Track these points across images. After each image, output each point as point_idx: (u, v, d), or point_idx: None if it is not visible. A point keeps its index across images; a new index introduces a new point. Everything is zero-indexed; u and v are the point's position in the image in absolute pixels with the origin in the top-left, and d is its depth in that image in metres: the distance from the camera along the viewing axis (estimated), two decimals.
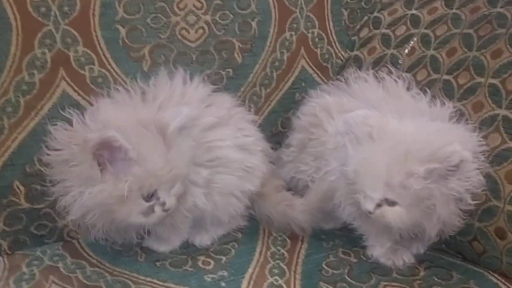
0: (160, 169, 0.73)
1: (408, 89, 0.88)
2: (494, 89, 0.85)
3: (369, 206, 0.77)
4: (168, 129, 0.74)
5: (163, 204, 0.75)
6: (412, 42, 1.02)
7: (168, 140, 0.74)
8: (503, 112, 0.82)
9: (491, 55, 0.87)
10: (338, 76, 1.10)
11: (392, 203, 0.76)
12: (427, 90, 0.85)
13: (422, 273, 0.84)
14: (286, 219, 0.90)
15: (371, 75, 0.92)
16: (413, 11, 1.06)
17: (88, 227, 0.77)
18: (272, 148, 1.00)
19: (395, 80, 0.88)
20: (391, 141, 0.75)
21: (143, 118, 0.74)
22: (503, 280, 0.82)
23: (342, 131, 0.81)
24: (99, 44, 0.90)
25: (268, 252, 0.87)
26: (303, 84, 1.09)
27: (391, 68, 1.00)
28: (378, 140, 0.75)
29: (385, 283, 0.81)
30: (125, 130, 0.71)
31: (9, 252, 0.87)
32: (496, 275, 0.83)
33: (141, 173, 0.71)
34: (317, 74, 1.11)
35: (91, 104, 0.83)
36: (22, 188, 0.87)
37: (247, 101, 1.04)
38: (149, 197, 0.74)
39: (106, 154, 0.71)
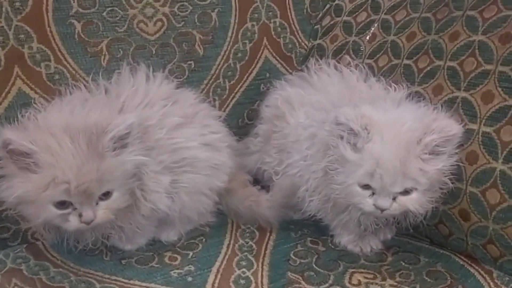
0: (66, 181, 0.69)
1: (366, 78, 0.88)
2: (453, 71, 0.85)
3: (386, 203, 0.76)
4: (105, 137, 0.70)
5: (80, 215, 0.72)
6: (373, 29, 1.02)
7: (102, 150, 0.70)
8: (462, 94, 0.83)
9: (449, 38, 0.88)
10: (302, 66, 1.09)
11: (406, 192, 0.75)
12: (385, 76, 0.87)
13: (389, 259, 0.84)
14: (253, 214, 0.90)
15: (331, 65, 0.92)
16: None
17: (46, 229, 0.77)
18: (238, 140, 0.99)
19: (352, 71, 0.89)
20: (391, 133, 0.74)
21: (74, 123, 0.71)
22: (469, 262, 0.83)
23: (331, 130, 0.77)
24: (54, 40, 0.88)
25: (236, 245, 0.86)
26: (267, 75, 1.09)
27: (352, 56, 1.01)
28: (377, 135, 0.73)
29: (353, 270, 0.81)
30: (44, 134, 0.69)
31: None
32: (462, 257, 0.84)
33: (42, 180, 0.69)
34: (281, 64, 1.10)
35: (49, 102, 0.82)
36: None
37: (211, 94, 1.03)
38: (61, 205, 0.71)
39: (11, 155, 0.69)
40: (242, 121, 1.08)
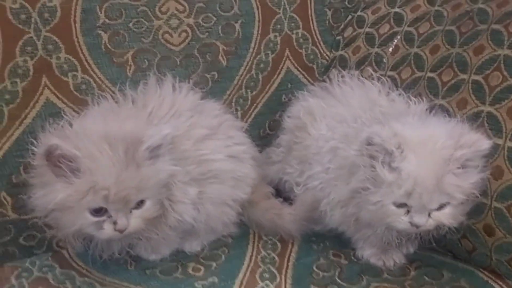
0: (105, 187, 0.70)
1: (388, 91, 0.88)
2: (477, 85, 0.85)
3: (423, 220, 0.75)
4: (141, 147, 0.72)
5: (115, 223, 0.73)
6: (395, 41, 1.02)
7: (138, 159, 0.71)
8: (487, 108, 0.83)
9: (473, 52, 0.88)
10: (324, 77, 1.10)
11: (440, 207, 0.75)
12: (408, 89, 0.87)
13: (412, 273, 0.84)
14: (275, 227, 0.90)
15: (354, 78, 0.92)
16: (396, 9, 1.06)
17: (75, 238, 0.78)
18: (260, 150, 1.00)
19: (374, 84, 0.89)
20: (425, 151, 0.73)
21: (112, 131, 0.72)
22: (493, 277, 0.82)
23: (361, 148, 0.76)
24: (81, 50, 0.89)
25: (259, 257, 0.86)
26: (289, 85, 1.09)
27: (375, 68, 1.02)
28: (411, 153, 0.73)
29: (376, 284, 0.81)
30: (85, 141, 0.71)
31: None
32: (486, 273, 0.83)
33: (83, 186, 0.70)
34: (302, 75, 1.11)
35: (76, 112, 0.83)
36: (9, 198, 0.86)
37: (233, 104, 1.03)
38: (97, 212, 0.72)
39: (53, 161, 0.70)
40: (263, 131, 1.08)
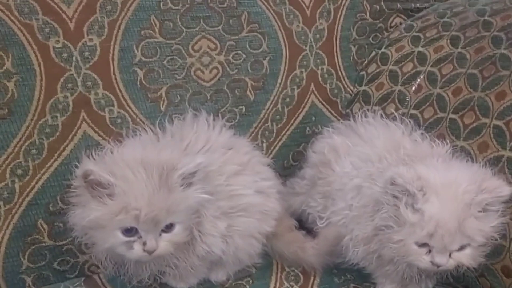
0: (137, 208, 0.73)
1: (411, 131, 0.91)
2: (498, 130, 0.88)
3: (444, 260, 0.78)
4: (175, 173, 0.76)
5: (144, 244, 0.76)
6: (419, 80, 1.05)
7: (171, 184, 0.75)
8: (508, 153, 0.86)
9: (495, 97, 0.91)
10: (347, 111, 1.13)
11: (461, 248, 0.78)
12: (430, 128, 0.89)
13: None
14: (298, 260, 0.93)
15: (377, 117, 0.95)
16: (420, 49, 1.09)
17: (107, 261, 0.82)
18: (283, 181, 1.03)
19: (397, 125, 0.92)
20: (448, 194, 0.76)
21: (148, 158, 0.76)
22: None
23: (383, 188, 0.80)
24: (118, 86, 0.94)
25: (283, 287, 0.90)
26: (313, 118, 1.13)
27: (398, 105, 1.05)
28: (434, 196, 0.76)
29: None
30: (120, 166, 0.75)
31: None
32: None
33: (116, 207, 0.74)
34: (326, 108, 1.14)
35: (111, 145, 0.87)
36: (45, 226, 0.90)
37: (259, 136, 1.07)
38: (128, 232, 0.76)
39: (90, 184, 0.75)
40: (287, 162, 1.12)
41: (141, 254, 0.77)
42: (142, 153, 0.78)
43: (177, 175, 0.76)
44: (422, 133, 0.92)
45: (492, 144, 0.88)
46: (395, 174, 0.77)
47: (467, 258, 0.78)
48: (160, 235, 0.77)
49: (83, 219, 0.75)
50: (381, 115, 0.97)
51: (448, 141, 0.89)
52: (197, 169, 0.77)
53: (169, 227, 0.77)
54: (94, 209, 0.75)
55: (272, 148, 1.10)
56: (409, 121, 0.92)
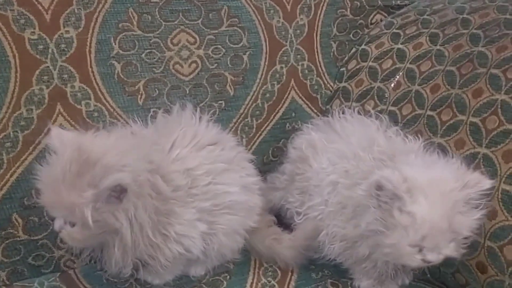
0: (42, 191, 0.75)
1: (386, 128, 0.91)
2: (475, 127, 0.89)
3: (435, 257, 0.78)
4: (94, 171, 0.72)
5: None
6: (397, 77, 1.06)
7: (83, 182, 0.72)
8: (483, 150, 0.86)
9: (472, 94, 0.91)
10: (327, 107, 1.13)
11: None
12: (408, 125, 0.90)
13: None
14: (272, 253, 0.93)
15: (354, 113, 0.95)
16: (399, 45, 1.10)
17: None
18: (263, 176, 1.03)
19: (373, 121, 0.92)
20: (436, 194, 0.76)
21: (87, 147, 0.74)
22: None
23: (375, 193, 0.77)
24: (95, 79, 0.93)
25: (259, 284, 0.89)
26: (293, 114, 1.13)
27: (377, 102, 1.05)
28: (421, 196, 0.75)
29: None
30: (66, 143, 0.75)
31: (7, 283, 0.89)
32: None
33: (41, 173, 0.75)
34: (307, 104, 1.14)
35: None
36: (20, 220, 0.89)
37: (239, 132, 1.07)
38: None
39: None
40: (267, 158, 1.12)
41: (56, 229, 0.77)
42: (90, 141, 0.76)
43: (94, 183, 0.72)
44: (397, 130, 0.92)
45: (469, 141, 0.88)
46: (381, 178, 0.76)
47: (452, 250, 0.78)
48: (66, 223, 0.76)
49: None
50: (359, 111, 0.97)
51: (420, 136, 0.89)
52: (114, 186, 0.72)
53: (70, 222, 0.75)
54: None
55: (252, 143, 1.09)
56: (385, 118, 0.92)
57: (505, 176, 0.83)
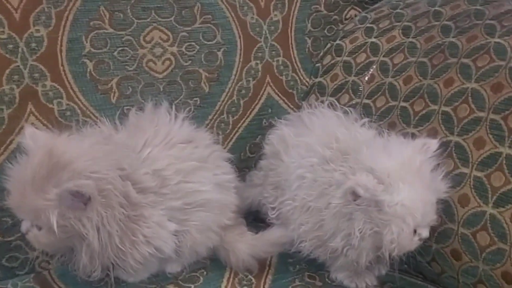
0: (10, 192, 0.75)
1: (354, 122, 0.91)
2: (446, 116, 0.89)
3: (427, 232, 0.79)
4: (63, 175, 0.72)
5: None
6: (371, 70, 1.06)
7: (51, 184, 0.72)
8: (455, 138, 0.87)
9: (443, 84, 0.92)
10: (303, 102, 1.14)
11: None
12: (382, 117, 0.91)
13: None
14: (230, 248, 0.91)
15: (321, 107, 0.96)
16: (373, 39, 1.10)
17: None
18: (241, 173, 1.03)
19: (337, 115, 0.93)
20: (409, 173, 0.77)
21: (59, 150, 0.73)
22: None
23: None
24: (66, 78, 0.92)
25: (236, 279, 0.89)
26: (269, 110, 1.13)
27: (351, 95, 1.06)
28: (400, 182, 0.76)
29: None
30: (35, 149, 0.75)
31: None
32: None
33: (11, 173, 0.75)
34: (283, 100, 1.14)
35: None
36: None
37: (215, 128, 1.07)
38: None
39: None
40: (244, 154, 1.12)
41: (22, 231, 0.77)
42: (61, 143, 0.75)
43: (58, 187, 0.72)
44: (365, 122, 0.91)
45: (441, 129, 0.89)
46: (355, 186, 0.75)
47: (428, 232, 0.80)
48: (33, 226, 0.76)
49: None
50: (329, 105, 0.97)
51: (368, 124, 0.90)
52: (69, 190, 0.72)
53: (37, 225, 0.75)
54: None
55: (228, 140, 1.09)
56: (350, 110, 0.92)
57: (477, 163, 0.83)
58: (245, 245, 0.91)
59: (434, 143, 0.81)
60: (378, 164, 0.77)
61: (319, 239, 0.84)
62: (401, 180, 0.76)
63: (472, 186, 0.83)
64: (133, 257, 0.80)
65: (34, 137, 0.76)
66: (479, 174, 0.83)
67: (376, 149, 0.81)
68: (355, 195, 0.76)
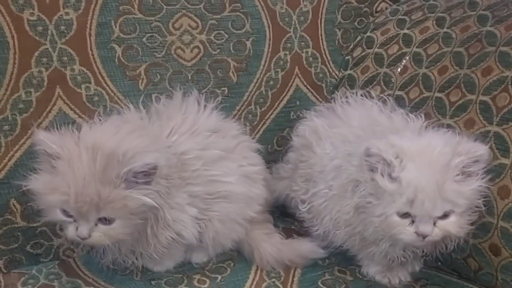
0: (66, 193, 0.71)
1: (391, 109, 0.89)
2: (485, 106, 0.86)
3: (428, 228, 0.75)
4: (122, 169, 0.71)
5: (77, 229, 0.74)
6: (404, 61, 1.04)
7: (114, 178, 0.71)
8: (494, 128, 0.84)
9: (481, 73, 0.89)
10: (332, 95, 1.11)
11: (445, 216, 0.75)
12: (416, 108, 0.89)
13: None
14: (255, 245, 0.89)
15: (357, 97, 0.94)
16: (405, 31, 1.08)
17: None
18: (267, 166, 1.01)
19: (374, 104, 0.91)
20: (424, 159, 0.74)
21: (102, 143, 0.73)
22: None
23: (359, 164, 0.78)
24: (95, 63, 0.91)
25: (264, 271, 0.87)
26: (297, 102, 1.10)
27: (383, 87, 1.03)
28: (410, 162, 0.74)
29: None
30: (71, 145, 0.73)
31: (4, 271, 0.86)
32: None
33: (50, 184, 0.72)
34: (311, 93, 1.12)
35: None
36: (18, 206, 0.87)
37: (242, 119, 1.05)
38: (65, 212, 0.73)
39: (43, 154, 0.74)
40: (271, 147, 1.09)
41: (74, 237, 0.75)
42: (100, 137, 0.74)
43: (123, 171, 0.71)
44: (402, 113, 0.89)
45: (479, 119, 0.86)
46: (370, 144, 0.75)
47: (452, 225, 0.75)
48: (96, 224, 0.74)
49: (29, 185, 0.74)
50: (362, 95, 0.95)
51: (422, 115, 0.86)
52: (146, 169, 0.72)
53: (107, 220, 0.74)
54: (37, 179, 0.73)
55: (256, 132, 1.07)
56: (388, 99, 0.91)
57: None
58: (272, 247, 0.89)
59: (481, 149, 0.75)
60: (397, 141, 0.76)
61: (354, 226, 0.81)
62: (412, 161, 0.74)
63: None
64: (158, 242, 0.79)
65: (53, 141, 0.73)
66: None
67: (407, 133, 0.79)
68: (368, 155, 0.75)
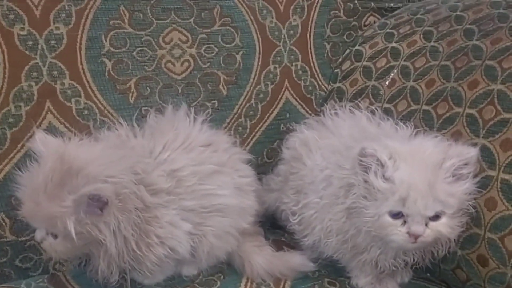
0: (26, 207, 0.72)
1: (379, 121, 0.90)
2: (471, 118, 0.87)
3: (420, 228, 0.75)
4: (79, 191, 0.70)
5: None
6: (392, 74, 1.05)
7: (66, 190, 0.70)
8: (481, 141, 0.85)
9: (468, 86, 0.90)
10: (322, 108, 1.12)
11: (437, 217, 0.76)
12: (405, 121, 0.89)
13: None
14: (246, 257, 0.89)
15: (346, 110, 0.94)
16: (393, 44, 1.09)
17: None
18: (258, 178, 1.01)
19: (363, 113, 0.92)
20: (416, 159, 0.76)
21: (70, 156, 0.72)
22: None
23: (353, 167, 0.78)
24: (85, 77, 0.92)
25: (254, 283, 0.87)
26: (287, 115, 1.11)
27: (372, 100, 1.04)
28: (403, 162, 0.75)
29: None
30: (48, 156, 0.73)
31: None
32: None
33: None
34: (301, 105, 1.13)
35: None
36: (7, 220, 0.87)
37: (232, 132, 1.05)
38: None
39: None
40: (261, 159, 1.10)
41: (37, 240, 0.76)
42: (71, 148, 0.73)
43: (78, 195, 0.70)
44: (391, 123, 0.90)
45: (466, 132, 0.87)
46: (365, 145, 0.76)
47: (444, 226, 0.76)
48: (48, 234, 0.74)
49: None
50: (350, 107, 0.96)
51: (412, 124, 0.87)
52: (88, 194, 0.70)
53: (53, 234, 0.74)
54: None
55: (246, 144, 1.08)
56: (377, 109, 0.92)
57: (504, 165, 0.81)
58: (262, 259, 0.89)
59: (472, 151, 0.76)
60: (390, 143, 0.78)
61: (345, 234, 0.82)
62: (404, 161, 0.75)
63: (499, 189, 0.81)
64: (149, 259, 0.78)
65: (45, 142, 0.74)
66: (506, 176, 0.80)
67: (398, 138, 0.81)
68: (363, 155, 0.75)
